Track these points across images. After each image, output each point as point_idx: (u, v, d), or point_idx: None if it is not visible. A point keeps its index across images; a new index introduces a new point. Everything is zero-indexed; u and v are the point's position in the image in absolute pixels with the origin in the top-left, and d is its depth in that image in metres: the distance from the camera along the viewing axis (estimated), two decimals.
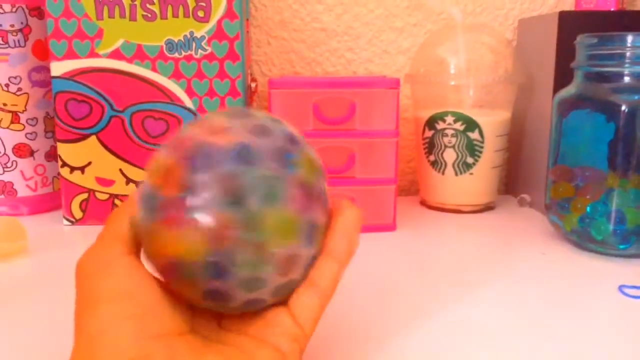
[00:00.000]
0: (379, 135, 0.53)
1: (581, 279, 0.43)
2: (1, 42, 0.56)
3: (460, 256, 0.48)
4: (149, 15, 0.53)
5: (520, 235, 0.54)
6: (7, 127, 0.58)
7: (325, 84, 0.52)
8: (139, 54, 0.53)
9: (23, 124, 0.58)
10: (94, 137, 0.55)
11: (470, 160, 0.60)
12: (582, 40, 0.48)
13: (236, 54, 0.54)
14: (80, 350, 0.23)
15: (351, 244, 0.27)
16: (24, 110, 0.58)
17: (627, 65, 0.45)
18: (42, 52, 0.58)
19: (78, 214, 0.56)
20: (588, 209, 0.48)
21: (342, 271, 0.27)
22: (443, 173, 0.61)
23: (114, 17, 0.53)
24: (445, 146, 0.61)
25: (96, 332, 0.23)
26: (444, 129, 0.60)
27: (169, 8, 0.53)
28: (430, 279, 0.43)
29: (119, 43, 0.53)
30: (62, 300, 0.31)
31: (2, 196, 0.59)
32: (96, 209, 0.56)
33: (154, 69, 0.54)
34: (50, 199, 0.62)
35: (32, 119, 0.59)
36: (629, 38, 0.45)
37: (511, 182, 0.70)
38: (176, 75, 0.54)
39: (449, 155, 0.61)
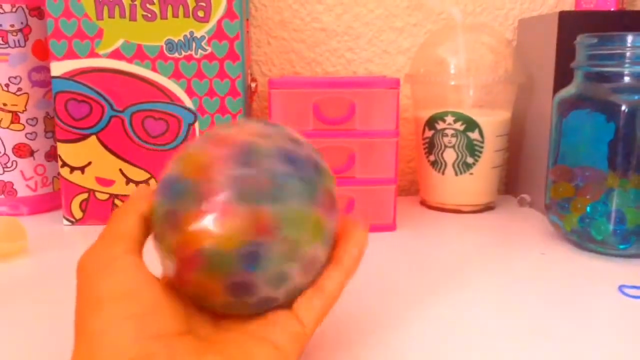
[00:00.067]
0: (379, 135, 0.53)
1: (581, 279, 0.43)
2: (1, 42, 0.56)
3: (460, 256, 0.48)
4: (149, 15, 0.53)
5: (520, 235, 0.54)
6: (7, 127, 0.58)
7: (325, 84, 0.52)
8: (139, 54, 0.53)
9: (23, 124, 0.58)
10: (94, 137, 0.55)
11: (470, 160, 0.60)
12: (582, 40, 0.48)
13: (236, 54, 0.54)
14: (81, 350, 0.23)
15: (359, 258, 0.29)
16: (24, 110, 0.58)
17: (627, 65, 0.45)
18: (42, 52, 0.58)
19: (78, 214, 0.56)
20: (588, 209, 0.48)
21: (347, 281, 0.29)
22: (443, 173, 0.61)
23: (114, 17, 0.53)
24: (445, 146, 0.61)
25: (97, 332, 0.23)
26: (444, 129, 0.60)
27: (169, 8, 0.53)
28: (430, 279, 0.43)
29: (119, 43, 0.53)
30: (62, 300, 0.31)
31: (2, 196, 0.59)
32: (96, 209, 0.56)
33: (154, 69, 0.54)
34: (50, 199, 0.62)
35: (32, 119, 0.59)
36: (629, 38, 0.45)
37: (511, 182, 0.70)
38: (176, 75, 0.54)
39: (449, 155, 0.61)
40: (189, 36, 0.53)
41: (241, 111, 0.55)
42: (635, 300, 0.39)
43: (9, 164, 0.59)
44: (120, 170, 0.56)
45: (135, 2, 0.53)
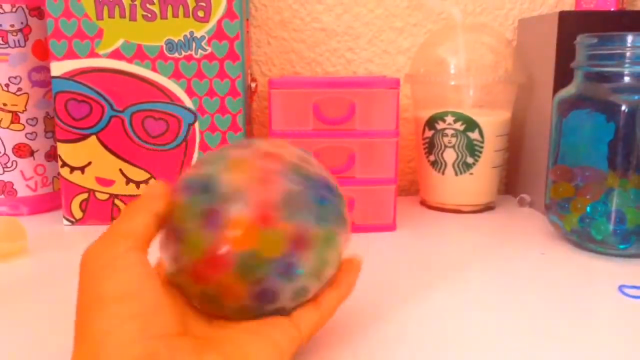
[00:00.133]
0: (379, 135, 0.53)
1: (581, 279, 0.43)
2: (1, 42, 0.56)
3: (460, 256, 0.48)
4: (149, 15, 0.53)
5: (520, 235, 0.54)
6: (7, 127, 0.58)
7: (325, 84, 0.52)
8: (139, 54, 0.53)
9: (23, 124, 0.58)
10: (94, 137, 0.55)
11: (470, 160, 0.60)
12: (582, 40, 0.48)
13: (236, 54, 0.54)
14: (83, 349, 0.23)
15: (354, 284, 0.32)
16: (24, 110, 0.58)
17: (627, 65, 0.45)
18: (42, 52, 0.58)
19: (78, 214, 0.56)
20: (588, 209, 0.48)
21: (341, 303, 0.31)
22: (443, 173, 0.61)
23: (114, 17, 0.53)
24: (445, 146, 0.61)
25: (100, 332, 0.23)
26: (444, 129, 0.60)
27: (169, 8, 0.53)
28: (430, 278, 0.43)
29: (119, 43, 0.53)
30: (62, 300, 0.31)
31: (2, 196, 0.59)
32: (96, 209, 0.56)
33: (154, 69, 0.54)
34: (50, 199, 0.62)
35: (32, 119, 0.59)
36: (629, 38, 0.45)
37: (511, 182, 0.70)
38: (176, 75, 0.54)
39: (449, 155, 0.61)
40: (189, 36, 0.53)
41: (241, 111, 0.55)
42: (635, 300, 0.39)
43: (9, 164, 0.59)
44: (120, 170, 0.56)
45: (135, 2, 0.53)
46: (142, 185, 0.56)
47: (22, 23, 0.57)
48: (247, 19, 0.62)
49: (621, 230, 0.46)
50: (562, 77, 0.54)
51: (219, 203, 0.26)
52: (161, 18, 0.53)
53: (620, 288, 0.41)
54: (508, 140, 0.63)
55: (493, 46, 0.62)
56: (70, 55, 0.53)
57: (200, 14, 0.53)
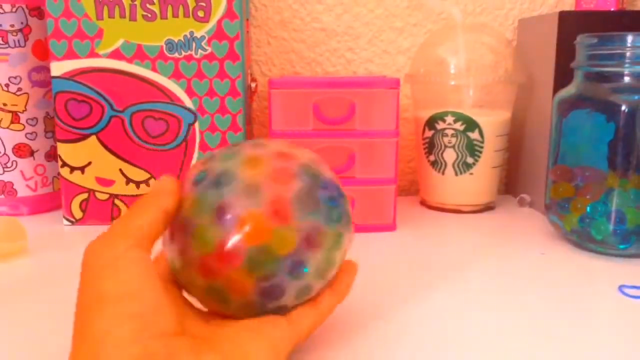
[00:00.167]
0: (379, 135, 0.53)
1: (581, 279, 0.43)
2: (1, 42, 0.56)
3: (460, 256, 0.48)
4: (149, 15, 0.53)
5: (520, 235, 0.54)
6: (7, 127, 0.58)
7: (325, 84, 0.52)
8: (139, 54, 0.53)
9: (23, 124, 0.58)
10: (94, 137, 0.55)
11: (470, 160, 0.60)
12: (582, 40, 0.48)
13: (236, 54, 0.54)
14: (82, 349, 0.23)
15: (350, 286, 0.32)
16: (24, 110, 0.58)
17: (627, 65, 0.45)
18: (42, 52, 0.58)
19: (78, 214, 0.56)
20: (588, 209, 0.48)
21: (339, 303, 0.31)
22: (443, 173, 0.61)
23: (114, 17, 0.53)
24: (445, 146, 0.61)
25: (100, 331, 0.23)
26: (444, 129, 0.60)
27: (169, 8, 0.53)
28: (430, 278, 0.43)
29: (119, 43, 0.53)
30: (62, 300, 0.31)
31: (2, 196, 0.59)
32: (96, 209, 0.56)
33: (154, 69, 0.54)
34: (50, 199, 0.62)
35: (32, 119, 0.59)
36: (629, 38, 0.45)
37: (511, 182, 0.70)
38: (176, 75, 0.54)
39: (449, 155, 0.61)
40: (189, 36, 0.53)
41: (241, 111, 0.55)
42: (635, 300, 0.39)
43: (9, 164, 0.59)
44: (120, 170, 0.56)
45: (135, 2, 0.53)
46: (142, 185, 0.56)
47: (22, 23, 0.57)
48: (247, 19, 0.62)
49: (621, 230, 0.46)
50: (562, 77, 0.54)
51: (234, 197, 0.27)
52: (161, 18, 0.53)
53: (620, 288, 0.41)
54: (508, 140, 0.63)
55: (493, 46, 0.62)
56: (70, 55, 0.53)
57: (200, 14, 0.53)
